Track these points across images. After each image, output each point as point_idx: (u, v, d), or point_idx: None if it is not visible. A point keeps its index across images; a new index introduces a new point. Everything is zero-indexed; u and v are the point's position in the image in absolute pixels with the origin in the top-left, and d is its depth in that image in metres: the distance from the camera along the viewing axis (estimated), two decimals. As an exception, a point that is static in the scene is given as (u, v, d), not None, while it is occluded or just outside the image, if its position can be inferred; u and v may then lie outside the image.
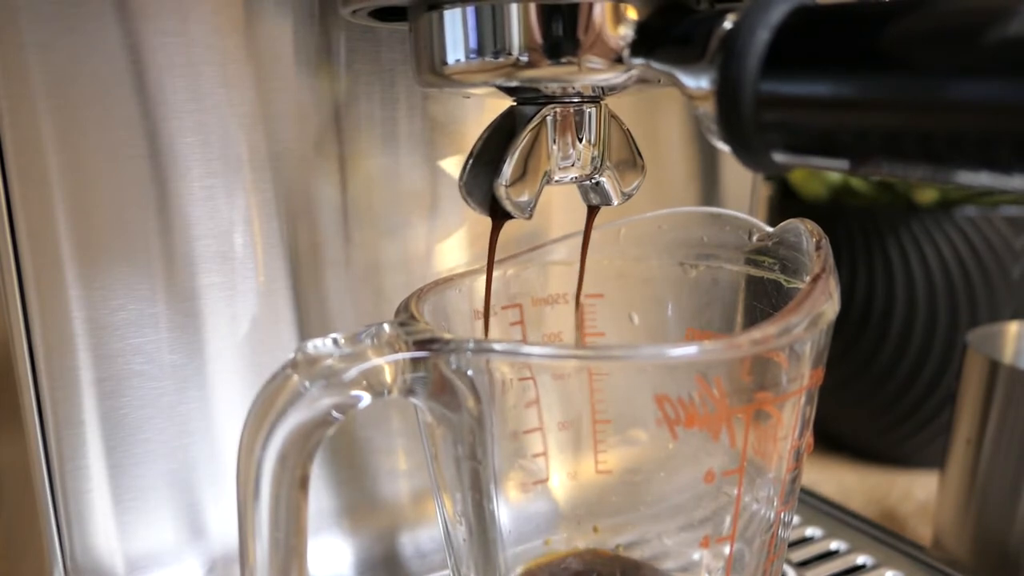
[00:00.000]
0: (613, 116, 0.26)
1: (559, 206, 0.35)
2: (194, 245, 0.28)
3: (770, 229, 0.27)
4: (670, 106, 0.37)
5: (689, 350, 0.20)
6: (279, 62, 0.28)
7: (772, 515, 0.24)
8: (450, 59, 0.23)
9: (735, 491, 0.23)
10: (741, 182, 0.40)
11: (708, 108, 0.18)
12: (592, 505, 0.31)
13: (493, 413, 0.22)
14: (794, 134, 0.17)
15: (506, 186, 0.24)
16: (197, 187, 0.28)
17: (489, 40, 0.22)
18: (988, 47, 0.13)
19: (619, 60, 0.22)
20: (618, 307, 0.31)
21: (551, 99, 0.24)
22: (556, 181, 0.25)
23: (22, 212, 0.26)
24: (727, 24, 0.17)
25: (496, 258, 0.27)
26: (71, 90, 0.25)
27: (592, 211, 0.28)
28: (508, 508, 0.29)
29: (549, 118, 0.24)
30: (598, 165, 0.25)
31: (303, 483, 0.21)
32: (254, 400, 0.21)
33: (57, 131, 0.25)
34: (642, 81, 0.23)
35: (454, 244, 0.33)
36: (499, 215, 0.25)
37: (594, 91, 0.24)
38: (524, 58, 0.22)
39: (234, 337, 0.30)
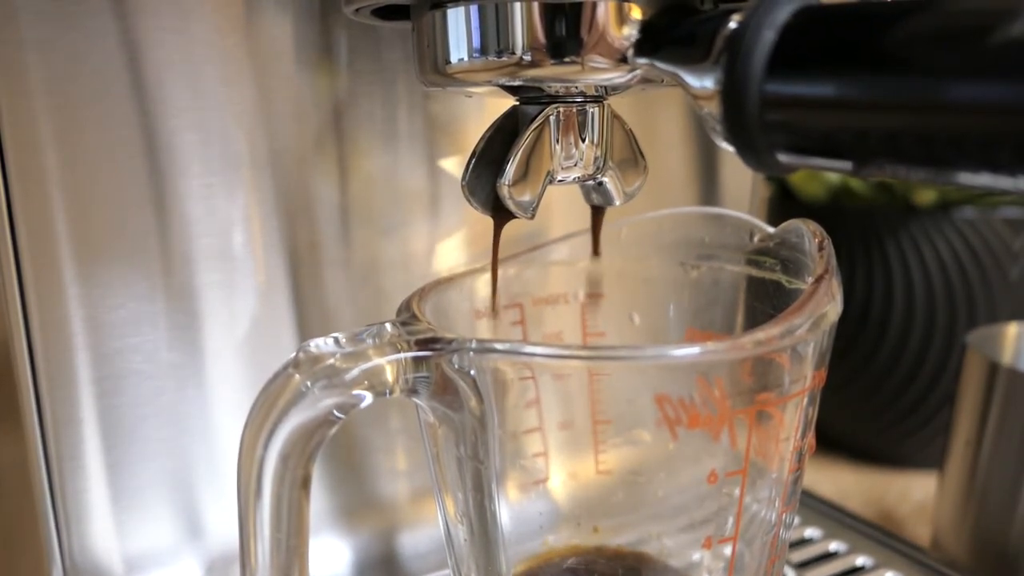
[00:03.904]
0: (616, 116, 0.26)
1: (559, 206, 0.35)
2: (193, 243, 0.28)
3: (771, 230, 0.27)
4: (670, 106, 0.37)
5: (692, 351, 0.20)
6: (280, 60, 0.28)
7: (774, 516, 0.24)
8: (453, 58, 0.23)
9: (737, 492, 0.23)
10: (741, 183, 0.40)
11: (712, 108, 0.18)
12: (592, 505, 0.31)
13: (495, 413, 0.22)
14: (798, 135, 0.17)
15: (509, 186, 0.24)
16: (196, 185, 0.28)
17: (492, 39, 0.22)
18: (992, 49, 0.13)
19: (623, 60, 0.22)
20: (619, 307, 0.31)
21: (554, 98, 0.24)
22: (559, 181, 0.25)
23: (21, 210, 0.25)
24: (732, 24, 0.17)
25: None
26: (70, 88, 0.25)
27: (597, 211, 0.28)
28: (508, 508, 0.29)
29: (552, 118, 0.24)
30: (600, 165, 0.25)
31: (305, 483, 0.21)
32: (256, 400, 0.20)
33: (56, 129, 0.25)
34: (645, 81, 0.23)
35: (455, 243, 0.33)
36: (502, 215, 0.25)
37: (597, 91, 0.24)
38: (527, 57, 0.22)
39: (233, 336, 0.30)
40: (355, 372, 0.20)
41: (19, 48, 0.24)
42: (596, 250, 0.29)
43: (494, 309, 0.27)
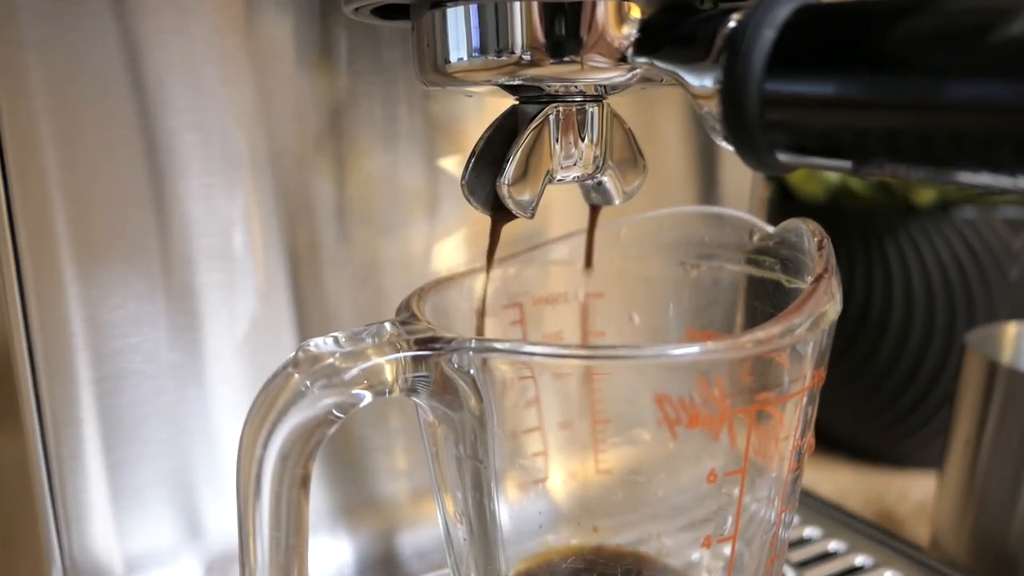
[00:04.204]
0: (615, 115, 0.26)
1: (559, 206, 0.35)
2: (193, 243, 0.28)
3: (771, 229, 0.27)
4: (670, 106, 0.37)
5: (692, 350, 0.20)
6: (280, 60, 0.28)
7: (773, 515, 0.24)
8: (453, 57, 0.23)
9: (736, 491, 0.23)
10: (740, 183, 0.40)
11: (712, 107, 0.18)
12: (592, 505, 0.31)
13: (494, 412, 0.22)
14: (798, 134, 0.17)
15: (508, 185, 0.24)
16: (196, 185, 0.28)
17: (492, 38, 0.22)
18: (992, 48, 0.13)
19: (623, 59, 0.22)
20: (619, 307, 0.31)
21: (553, 98, 0.24)
22: (558, 180, 0.25)
23: (21, 210, 0.25)
24: (732, 23, 0.17)
25: (496, 257, 0.27)
26: (71, 88, 0.25)
27: (594, 211, 0.28)
28: (508, 508, 0.29)
29: (551, 117, 0.24)
30: (600, 164, 0.25)
31: (304, 482, 0.21)
32: (255, 399, 0.20)
33: (56, 129, 0.25)
34: (645, 80, 0.23)
35: (454, 243, 0.33)
36: (501, 214, 0.25)
37: (596, 90, 0.24)
38: (527, 57, 0.22)
39: (233, 336, 0.30)
40: (354, 371, 0.20)
41: (19, 48, 0.24)
42: (589, 261, 0.29)
43: (483, 310, 0.27)
